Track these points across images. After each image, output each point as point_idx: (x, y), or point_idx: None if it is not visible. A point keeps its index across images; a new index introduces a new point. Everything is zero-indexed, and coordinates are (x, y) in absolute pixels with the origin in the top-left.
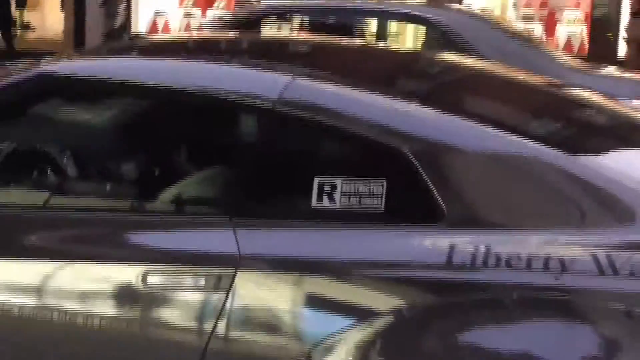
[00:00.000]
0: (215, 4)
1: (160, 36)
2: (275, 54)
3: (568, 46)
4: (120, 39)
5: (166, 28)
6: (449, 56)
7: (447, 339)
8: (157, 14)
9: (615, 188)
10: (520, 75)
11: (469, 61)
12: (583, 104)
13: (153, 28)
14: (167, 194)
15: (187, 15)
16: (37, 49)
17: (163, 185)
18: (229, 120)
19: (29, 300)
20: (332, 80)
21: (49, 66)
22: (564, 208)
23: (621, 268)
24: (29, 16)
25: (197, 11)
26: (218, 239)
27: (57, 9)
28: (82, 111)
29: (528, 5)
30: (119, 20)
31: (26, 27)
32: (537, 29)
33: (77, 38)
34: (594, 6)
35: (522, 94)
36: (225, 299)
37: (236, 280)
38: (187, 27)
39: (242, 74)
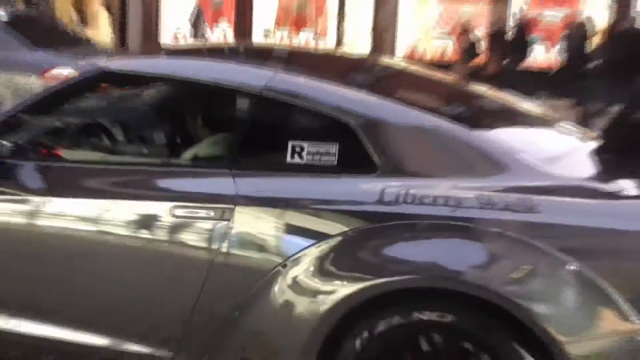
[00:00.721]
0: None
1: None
2: (263, 57)
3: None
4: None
5: None
6: (383, 59)
7: (378, 251)
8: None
9: (493, 149)
10: (431, 73)
11: (395, 62)
12: (473, 94)
13: None
14: (188, 153)
15: None
16: None
17: (185, 147)
18: (230, 102)
19: (90, 227)
20: (301, 75)
21: (108, 64)
22: (460, 163)
23: (497, 203)
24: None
25: None
26: (222, 184)
27: (107, 25)
28: (130, 95)
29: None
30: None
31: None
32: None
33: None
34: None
35: (432, 86)
36: (227, 226)
37: (235, 213)
38: None
39: (241, 70)
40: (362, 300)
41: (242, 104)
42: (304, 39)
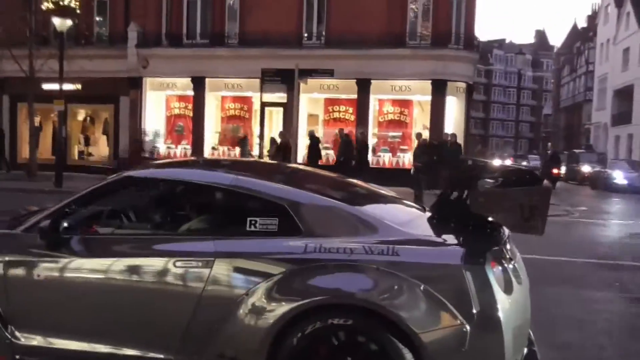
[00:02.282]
0: None
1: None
2: (231, 166)
3: None
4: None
5: None
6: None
7: (304, 282)
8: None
9: (369, 217)
10: (321, 171)
11: (296, 166)
12: (352, 185)
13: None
14: (183, 227)
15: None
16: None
17: (182, 223)
18: (210, 194)
19: (121, 276)
20: (254, 176)
21: (129, 172)
22: (349, 227)
23: (374, 251)
24: (91, 149)
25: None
26: (207, 245)
27: (105, 145)
28: (145, 194)
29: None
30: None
31: (89, 154)
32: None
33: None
34: None
35: (323, 179)
36: (210, 271)
37: (215, 263)
38: None
39: (214, 174)
40: (295, 313)
41: (217, 195)
42: (238, 152)
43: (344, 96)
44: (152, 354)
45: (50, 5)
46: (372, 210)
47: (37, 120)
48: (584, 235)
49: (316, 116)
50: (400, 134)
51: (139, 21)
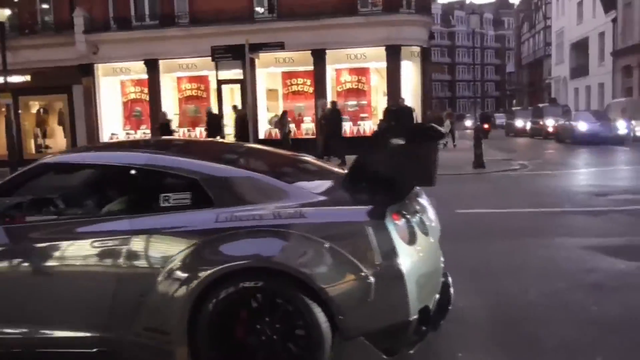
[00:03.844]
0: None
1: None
2: (149, 145)
3: None
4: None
5: None
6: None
7: (218, 250)
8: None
9: (278, 185)
10: (253, 146)
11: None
12: (271, 154)
13: None
14: (104, 209)
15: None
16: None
17: (102, 206)
18: (127, 175)
19: (41, 262)
20: (168, 154)
21: (45, 159)
22: (259, 195)
23: (283, 215)
24: (48, 141)
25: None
26: (124, 224)
27: (62, 136)
28: (64, 179)
29: None
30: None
31: (47, 147)
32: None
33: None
34: None
35: (244, 152)
36: (128, 247)
37: (131, 240)
38: None
39: (130, 155)
40: (209, 281)
41: (133, 175)
42: (198, 133)
43: (301, 68)
44: (81, 334)
45: None
46: (285, 176)
47: None
48: (530, 187)
49: (275, 91)
50: (360, 102)
51: (84, 6)
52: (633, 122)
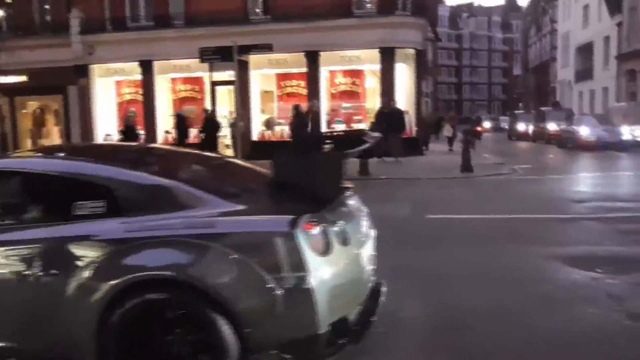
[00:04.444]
0: None
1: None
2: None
3: None
4: None
5: None
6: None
7: (118, 259)
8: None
9: (193, 193)
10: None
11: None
12: (199, 160)
13: None
14: (23, 217)
15: None
16: None
17: (21, 214)
18: (43, 182)
19: None
20: (85, 160)
21: None
22: (173, 203)
23: (192, 225)
24: (44, 141)
25: None
26: (37, 233)
27: (57, 136)
28: None
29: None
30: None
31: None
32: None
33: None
34: None
35: (171, 158)
36: (39, 256)
37: (43, 249)
38: None
39: (45, 162)
40: (115, 292)
41: (48, 182)
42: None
43: (295, 70)
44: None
45: None
46: (206, 184)
47: None
48: (512, 193)
49: (270, 92)
50: (354, 104)
51: (80, 7)
52: (632, 127)
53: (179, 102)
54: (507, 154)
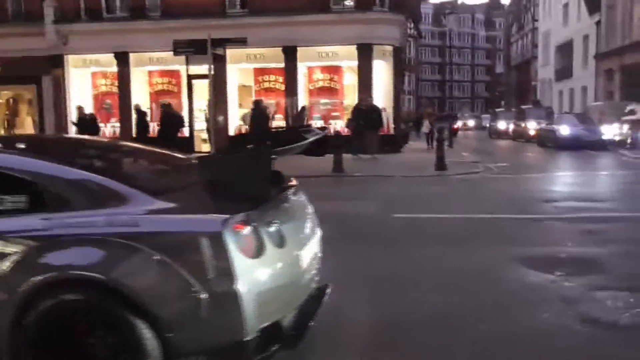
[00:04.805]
0: None
1: None
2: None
3: None
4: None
5: None
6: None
7: (33, 258)
8: None
9: (119, 189)
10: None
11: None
12: (134, 154)
13: None
14: None
15: None
16: None
17: None
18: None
19: None
20: (13, 153)
21: None
22: (98, 200)
23: (115, 223)
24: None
25: None
26: None
27: (31, 127)
28: None
29: None
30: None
31: None
32: None
33: None
34: None
35: (105, 151)
36: None
37: None
38: None
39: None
40: (29, 292)
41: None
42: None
43: (273, 65)
44: None
45: None
46: (134, 180)
47: None
48: (483, 191)
49: (248, 87)
50: (332, 100)
51: None
52: (609, 125)
53: (156, 95)
54: (486, 152)
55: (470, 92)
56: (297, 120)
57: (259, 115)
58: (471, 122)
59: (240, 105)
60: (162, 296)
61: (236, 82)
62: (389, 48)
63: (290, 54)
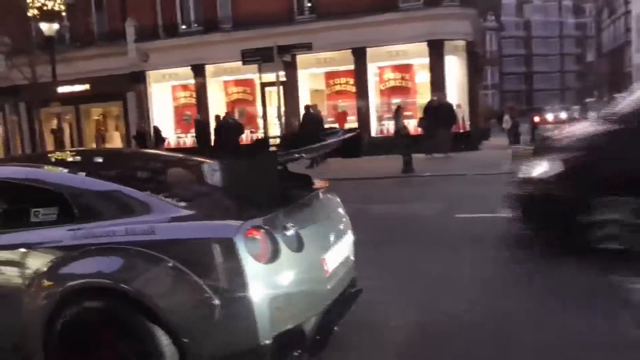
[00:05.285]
0: None
1: None
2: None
3: None
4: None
5: None
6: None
7: (61, 267)
8: None
9: (141, 198)
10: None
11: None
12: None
13: None
14: None
15: None
16: None
17: None
18: (5, 189)
19: None
20: (45, 167)
21: None
22: (121, 210)
23: (135, 231)
24: (107, 146)
25: None
26: None
27: (119, 141)
28: None
29: None
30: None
31: None
32: None
33: None
34: None
35: (132, 162)
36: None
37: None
38: None
39: (6, 169)
40: (58, 300)
41: (10, 189)
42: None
43: (343, 68)
44: None
45: (35, 12)
46: (156, 189)
47: (54, 123)
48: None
49: (321, 91)
50: (404, 100)
51: (134, 15)
52: None
53: (232, 104)
54: None
55: (559, 84)
56: (395, 121)
57: (310, 120)
58: (563, 115)
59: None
60: (177, 303)
61: (307, 86)
62: (462, 43)
63: (359, 55)
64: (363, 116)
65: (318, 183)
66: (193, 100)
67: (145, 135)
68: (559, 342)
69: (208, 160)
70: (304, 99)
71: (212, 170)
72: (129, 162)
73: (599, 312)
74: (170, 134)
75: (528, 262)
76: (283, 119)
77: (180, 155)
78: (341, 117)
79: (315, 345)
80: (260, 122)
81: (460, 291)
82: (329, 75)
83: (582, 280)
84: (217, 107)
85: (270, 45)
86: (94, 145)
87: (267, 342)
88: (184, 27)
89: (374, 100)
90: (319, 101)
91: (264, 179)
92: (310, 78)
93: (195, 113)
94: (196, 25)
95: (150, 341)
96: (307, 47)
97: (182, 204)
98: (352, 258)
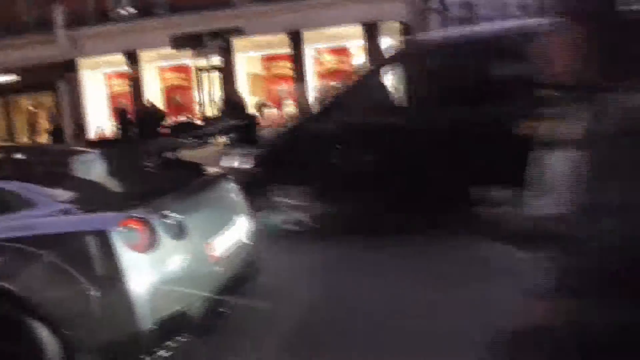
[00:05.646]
0: None
1: None
2: None
3: None
4: None
5: None
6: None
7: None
8: None
9: (26, 194)
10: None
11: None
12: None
13: None
14: None
15: None
16: None
17: None
18: None
19: None
20: None
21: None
22: (6, 204)
23: (12, 228)
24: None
25: None
26: None
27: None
28: None
29: None
30: None
31: None
32: None
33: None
34: None
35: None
36: None
37: None
38: None
39: None
40: None
41: None
42: None
43: (281, 51)
44: None
45: None
46: (41, 183)
47: None
48: None
49: (259, 75)
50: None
51: (63, 2)
52: None
53: (168, 90)
54: None
55: None
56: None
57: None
58: None
59: (253, 94)
60: (53, 295)
61: (245, 71)
62: (397, 25)
63: (295, 38)
64: (302, 99)
65: (210, 170)
66: (128, 89)
67: (61, 131)
68: None
69: (94, 151)
70: (243, 83)
71: (97, 161)
72: (17, 157)
73: None
74: (106, 124)
75: None
76: (218, 104)
77: (72, 147)
78: (277, 100)
79: (203, 329)
80: (197, 108)
81: None
82: (267, 59)
83: None
84: (153, 94)
85: (207, 29)
86: (25, 139)
87: (148, 327)
88: (117, 11)
89: (313, 83)
90: (258, 85)
91: (130, 168)
92: (248, 62)
93: (131, 101)
94: (130, 10)
95: (31, 336)
96: (238, 32)
97: (66, 197)
98: (249, 242)
